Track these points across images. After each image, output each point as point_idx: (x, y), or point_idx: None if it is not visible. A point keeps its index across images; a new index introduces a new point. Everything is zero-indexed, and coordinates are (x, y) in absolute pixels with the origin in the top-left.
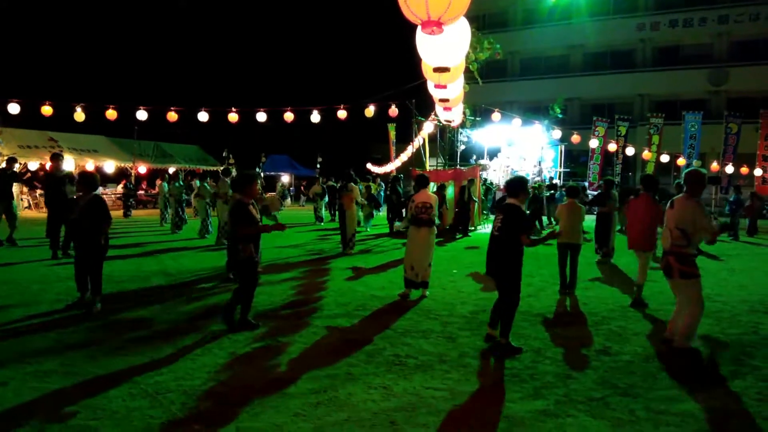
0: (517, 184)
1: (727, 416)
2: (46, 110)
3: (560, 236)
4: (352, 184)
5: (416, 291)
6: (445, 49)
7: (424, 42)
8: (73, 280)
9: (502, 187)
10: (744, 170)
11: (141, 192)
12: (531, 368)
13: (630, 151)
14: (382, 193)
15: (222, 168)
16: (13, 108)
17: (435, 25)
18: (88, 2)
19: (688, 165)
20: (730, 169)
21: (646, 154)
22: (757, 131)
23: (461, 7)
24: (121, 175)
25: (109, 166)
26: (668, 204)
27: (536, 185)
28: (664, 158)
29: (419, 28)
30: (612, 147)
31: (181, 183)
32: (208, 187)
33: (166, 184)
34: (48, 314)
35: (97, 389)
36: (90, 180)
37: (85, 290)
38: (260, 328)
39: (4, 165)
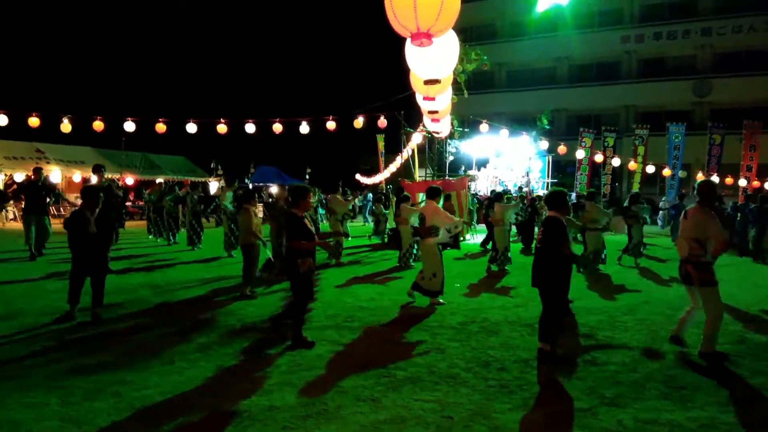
0: (556, 198)
1: (714, 426)
2: (33, 121)
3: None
4: (336, 195)
5: (424, 298)
6: (434, 62)
7: (413, 55)
8: (58, 293)
9: (483, 195)
10: (729, 180)
11: (129, 203)
12: (519, 379)
13: (616, 162)
14: (369, 205)
15: (225, 180)
16: (0, 119)
17: (424, 36)
18: (75, 13)
19: (673, 176)
20: (714, 179)
21: (632, 165)
22: (740, 142)
23: (450, 18)
24: None
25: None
26: (682, 215)
27: (522, 194)
28: (650, 169)
29: (408, 41)
30: (598, 158)
31: (193, 195)
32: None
33: (168, 198)
34: (33, 328)
35: (83, 403)
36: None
37: (75, 304)
38: (315, 347)
39: (31, 175)
